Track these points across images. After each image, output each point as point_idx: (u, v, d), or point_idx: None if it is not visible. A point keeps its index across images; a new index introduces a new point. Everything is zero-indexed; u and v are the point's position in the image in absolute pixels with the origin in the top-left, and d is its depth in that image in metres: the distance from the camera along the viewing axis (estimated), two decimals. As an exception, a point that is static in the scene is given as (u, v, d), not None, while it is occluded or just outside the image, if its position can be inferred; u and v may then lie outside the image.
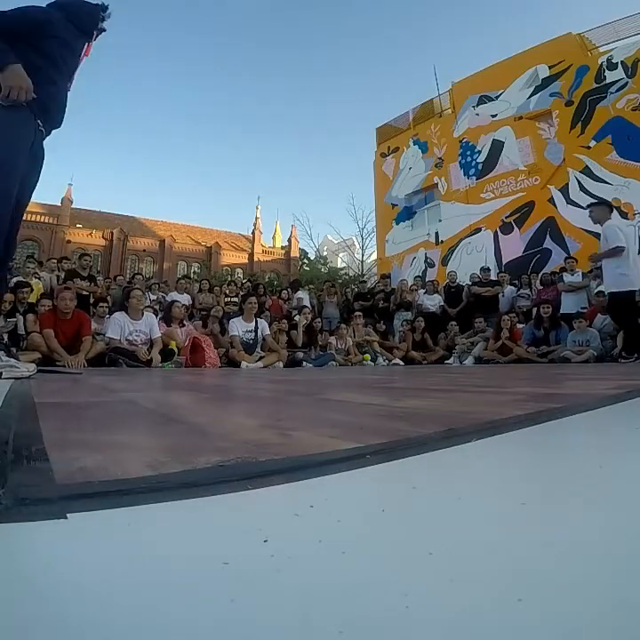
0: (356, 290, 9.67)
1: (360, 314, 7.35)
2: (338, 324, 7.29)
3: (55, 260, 7.45)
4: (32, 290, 5.60)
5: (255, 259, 41.15)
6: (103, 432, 0.72)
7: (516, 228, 11.72)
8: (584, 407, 0.96)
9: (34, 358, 3.89)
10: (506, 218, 11.96)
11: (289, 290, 8.59)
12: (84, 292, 6.03)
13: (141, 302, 4.79)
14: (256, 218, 43.65)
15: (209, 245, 40.58)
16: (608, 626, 0.19)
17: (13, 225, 2.01)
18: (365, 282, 11.50)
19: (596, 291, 6.31)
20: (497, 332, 6.47)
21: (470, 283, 8.35)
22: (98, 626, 0.19)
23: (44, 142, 2.17)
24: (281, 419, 0.88)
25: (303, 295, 8.17)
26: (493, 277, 8.63)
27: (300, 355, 5.91)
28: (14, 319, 4.81)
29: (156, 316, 5.31)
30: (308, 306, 7.42)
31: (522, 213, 11.65)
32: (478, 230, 12.49)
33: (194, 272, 33.55)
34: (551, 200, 11.07)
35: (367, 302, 8.35)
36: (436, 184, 13.83)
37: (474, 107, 13.20)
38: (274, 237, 46.86)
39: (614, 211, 5.14)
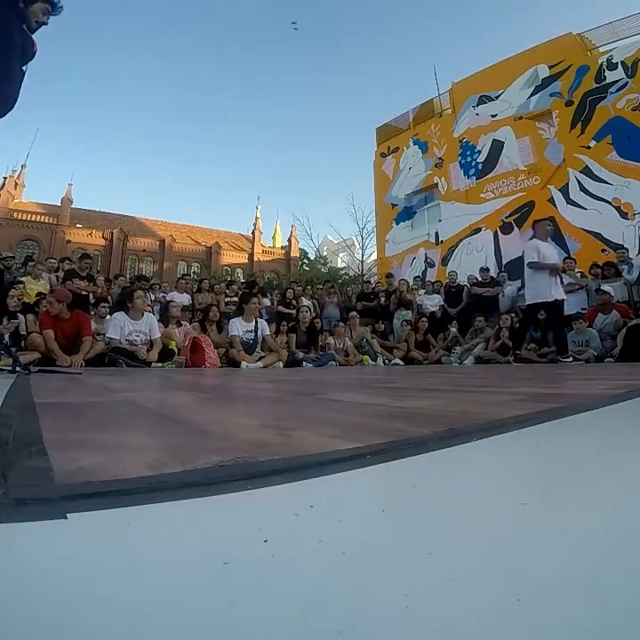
0: (360, 288, 9.54)
1: (356, 314, 7.26)
2: (336, 322, 7.21)
3: (55, 260, 7.42)
4: (25, 288, 5.60)
5: (255, 259, 41.10)
6: (103, 432, 0.72)
7: (515, 227, 11.70)
8: (584, 407, 0.96)
9: (33, 358, 3.90)
10: (506, 218, 11.94)
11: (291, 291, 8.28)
12: (83, 292, 6.01)
13: (145, 303, 4.82)
14: (256, 218, 43.62)
15: (209, 245, 40.52)
16: (608, 626, 0.19)
17: None
18: (369, 282, 11.34)
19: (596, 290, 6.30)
20: (497, 331, 6.48)
21: (469, 284, 8.33)
22: (98, 626, 0.19)
23: None
24: (281, 419, 0.88)
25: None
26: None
27: (301, 355, 5.90)
28: (17, 320, 4.82)
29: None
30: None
31: (522, 213, 11.63)
32: (478, 230, 12.47)
33: (194, 272, 33.49)
34: (551, 200, 11.05)
35: (370, 302, 8.26)
36: (436, 184, 13.82)
37: (474, 107, 13.19)
38: (274, 237, 46.80)
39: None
